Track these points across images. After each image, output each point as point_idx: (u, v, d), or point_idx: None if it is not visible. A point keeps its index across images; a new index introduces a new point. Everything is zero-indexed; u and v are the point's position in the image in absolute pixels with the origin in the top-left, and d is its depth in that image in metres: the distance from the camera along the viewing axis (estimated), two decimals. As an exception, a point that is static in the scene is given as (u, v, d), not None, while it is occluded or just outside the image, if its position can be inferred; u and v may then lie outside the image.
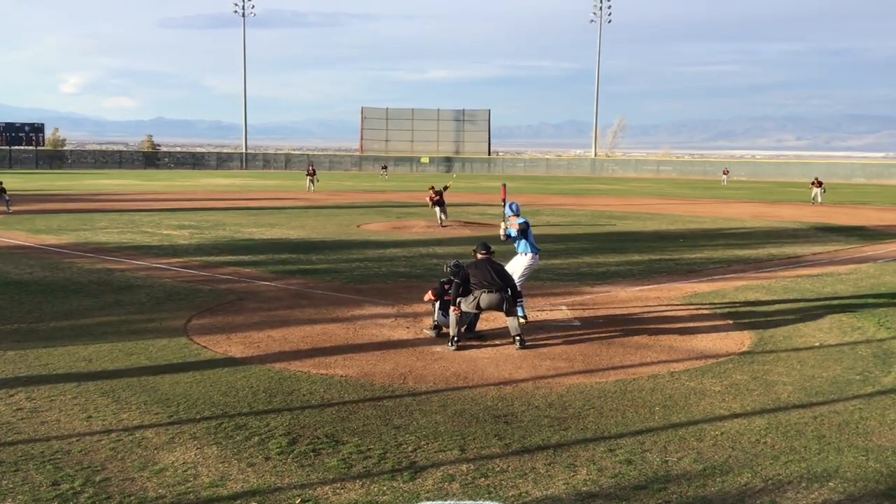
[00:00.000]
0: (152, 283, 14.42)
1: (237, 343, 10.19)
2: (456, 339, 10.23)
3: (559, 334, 10.99)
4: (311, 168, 50.98)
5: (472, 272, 10.56)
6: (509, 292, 10.48)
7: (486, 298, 10.32)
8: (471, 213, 31.04)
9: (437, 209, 27.14)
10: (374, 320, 11.70)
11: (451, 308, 10.37)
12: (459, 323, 10.30)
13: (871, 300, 13.68)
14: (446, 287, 10.84)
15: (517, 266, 11.77)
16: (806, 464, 6.43)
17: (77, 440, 6.72)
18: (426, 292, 11.26)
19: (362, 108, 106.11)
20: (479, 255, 10.90)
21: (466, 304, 10.37)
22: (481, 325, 11.02)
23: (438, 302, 10.85)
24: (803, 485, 6.01)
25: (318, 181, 49.15)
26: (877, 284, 15.43)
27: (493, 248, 11.12)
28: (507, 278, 10.68)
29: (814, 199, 42.20)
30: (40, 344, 9.94)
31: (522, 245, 11.82)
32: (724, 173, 71.09)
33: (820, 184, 42.92)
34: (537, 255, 11.99)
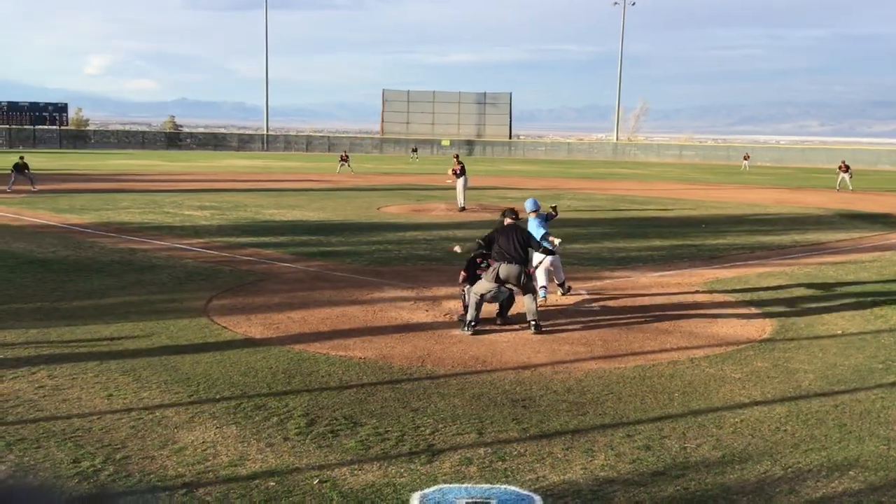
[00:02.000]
0: (174, 264, 14.51)
1: (257, 324, 10.24)
2: (473, 323, 10.05)
3: (579, 319, 10.95)
4: (344, 153, 51.38)
5: (497, 239, 10.34)
6: (529, 266, 10.27)
7: (504, 269, 10.10)
8: (490, 198, 30.95)
9: (459, 187, 26.44)
10: (394, 303, 11.71)
11: (464, 287, 10.27)
12: (478, 308, 10.09)
13: (894, 288, 13.52)
14: (479, 261, 10.61)
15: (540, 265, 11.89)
16: (826, 452, 6.38)
17: (98, 418, 6.79)
18: (458, 275, 10.98)
19: (383, 90, 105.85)
20: (507, 221, 10.67)
21: (487, 277, 10.18)
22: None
23: (467, 287, 10.55)
24: (823, 473, 5.97)
25: (350, 166, 48.90)
26: (901, 272, 15.22)
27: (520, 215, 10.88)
28: (527, 250, 10.40)
29: (840, 184, 41.51)
30: (62, 322, 10.04)
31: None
32: (745, 158, 69.70)
33: (847, 168, 42.11)
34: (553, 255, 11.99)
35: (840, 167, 42.72)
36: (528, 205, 12.40)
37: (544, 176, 45.83)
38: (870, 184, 45.18)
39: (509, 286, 10.33)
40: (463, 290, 10.73)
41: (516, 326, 10.35)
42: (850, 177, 41.61)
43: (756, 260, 16.72)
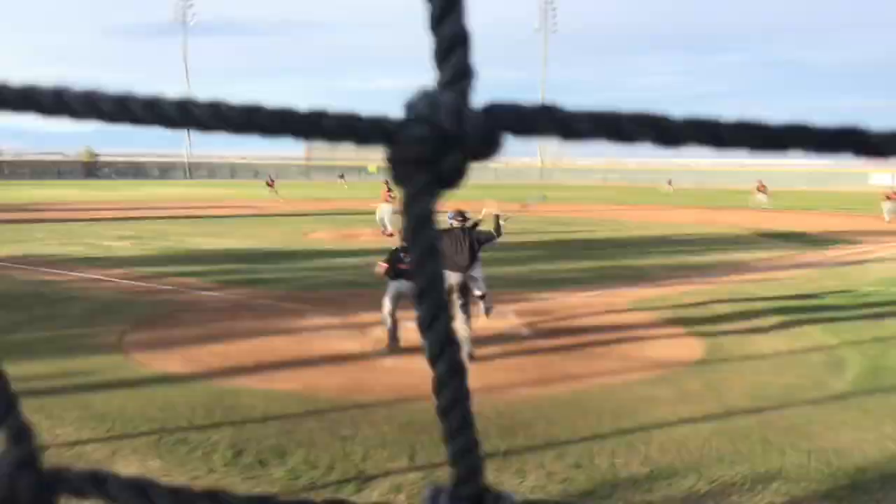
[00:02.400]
0: (89, 296, 13.98)
1: (175, 358, 9.89)
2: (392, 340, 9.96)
3: (510, 345, 10.91)
4: (269, 178, 51.21)
5: (443, 243, 9.93)
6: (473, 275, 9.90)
7: (453, 278, 9.64)
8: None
9: (387, 211, 25.78)
10: (320, 331, 11.49)
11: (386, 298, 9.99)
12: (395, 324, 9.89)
13: (815, 305, 13.91)
14: (402, 255, 9.83)
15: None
16: (749, 465, 6.45)
17: (5, 460, 6.42)
18: (378, 267, 10.46)
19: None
20: (454, 223, 10.15)
21: None
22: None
23: (391, 275, 10.06)
24: (747, 486, 6.03)
25: (277, 192, 48.45)
26: (820, 289, 15.70)
27: (469, 216, 10.42)
28: (474, 254, 9.90)
29: (754, 203, 42.86)
30: (-31, 360, 9.52)
31: None
32: (668, 184, 71.59)
33: (764, 188, 43.51)
34: None
35: (758, 187, 44.15)
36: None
37: (474, 199, 46.11)
38: (787, 203, 46.81)
39: (453, 294, 9.73)
40: (388, 315, 10.33)
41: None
42: (768, 197, 43.00)
43: (682, 279, 17.02)
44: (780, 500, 5.80)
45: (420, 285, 0.61)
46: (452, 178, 0.58)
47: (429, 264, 0.61)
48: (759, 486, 6.04)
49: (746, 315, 12.89)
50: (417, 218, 0.60)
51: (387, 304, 10.14)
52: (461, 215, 10.34)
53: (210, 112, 0.58)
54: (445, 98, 0.56)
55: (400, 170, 0.58)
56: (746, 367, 9.77)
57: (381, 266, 10.31)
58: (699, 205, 47.69)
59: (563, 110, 0.56)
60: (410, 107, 0.57)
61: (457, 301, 9.82)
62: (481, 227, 10.68)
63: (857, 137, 0.54)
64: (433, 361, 0.62)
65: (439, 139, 0.56)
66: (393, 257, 10.20)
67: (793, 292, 15.27)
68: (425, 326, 0.61)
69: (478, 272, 10.50)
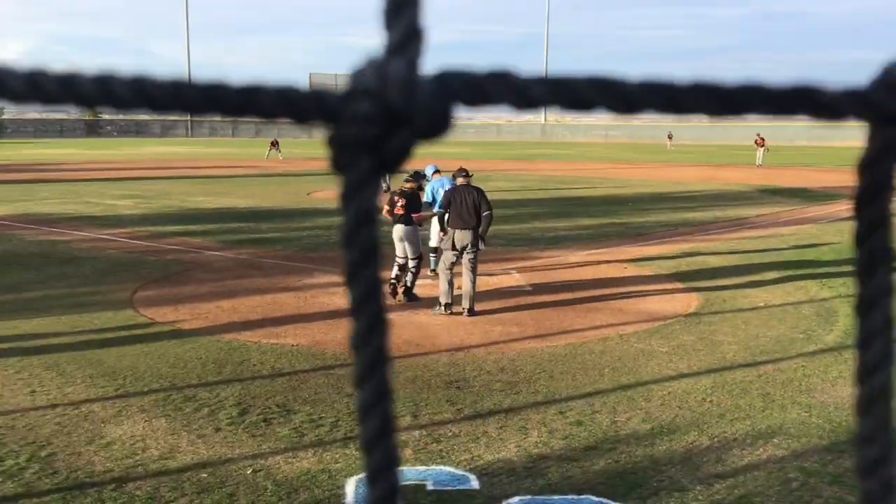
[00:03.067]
0: (96, 255, 14.11)
1: (185, 314, 10.05)
2: (449, 303, 9.97)
3: (511, 300, 11.05)
4: (275, 140, 51.13)
5: (452, 201, 10.01)
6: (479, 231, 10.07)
7: (459, 235, 9.93)
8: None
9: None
10: (325, 289, 11.62)
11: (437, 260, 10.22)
12: (451, 284, 9.97)
13: (813, 260, 14.01)
14: (395, 200, 10.51)
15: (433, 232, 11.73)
16: (751, 421, 6.60)
17: (21, 415, 6.59)
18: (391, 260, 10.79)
19: (310, 74, 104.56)
20: (459, 181, 10.34)
21: (445, 245, 10.01)
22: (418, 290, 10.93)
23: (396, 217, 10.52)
24: (748, 442, 6.17)
25: (279, 151, 48.35)
26: (818, 245, 15.79)
27: (472, 174, 10.65)
28: (479, 212, 10.08)
29: (758, 159, 42.68)
30: (-20, 319, 9.67)
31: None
32: (669, 138, 71.74)
33: (763, 142, 43.25)
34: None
35: (756, 141, 43.79)
36: (429, 170, 11.88)
37: (474, 158, 45.97)
38: (787, 159, 46.62)
39: (464, 252, 10.03)
40: (393, 279, 10.68)
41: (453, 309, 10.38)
42: (766, 151, 42.74)
43: (681, 236, 17.11)
44: (781, 455, 5.94)
45: (355, 296, 0.52)
46: (397, 161, 0.50)
47: (368, 270, 0.52)
48: (761, 441, 6.19)
49: (744, 270, 13.00)
50: (358, 214, 0.51)
51: (441, 272, 10.25)
52: (466, 172, 10.46)
53: (134, 89, 0.50)
54: (395, 67, 0.49)
55: (342, 154, 0.51)
56: (738, 319, 9.91)
57: (385, 210, 10.65)
58: (700, 162, 47.53)
59: (518, 77, 0.51)
60: (356, 77, 0.49)
61: (467, 257, 10.02)
62: None
63: (811, 97, 0.51)
64: (357, 384, 0.52)
65: (387, 116, 0.49)
66: (390, 201, 10.70)
67: (791, 248, 15.36)
68: (358, 345, 0.52)
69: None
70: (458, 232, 9.99)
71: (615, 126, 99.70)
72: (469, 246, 10.00)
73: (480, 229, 10.13)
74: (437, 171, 12.02)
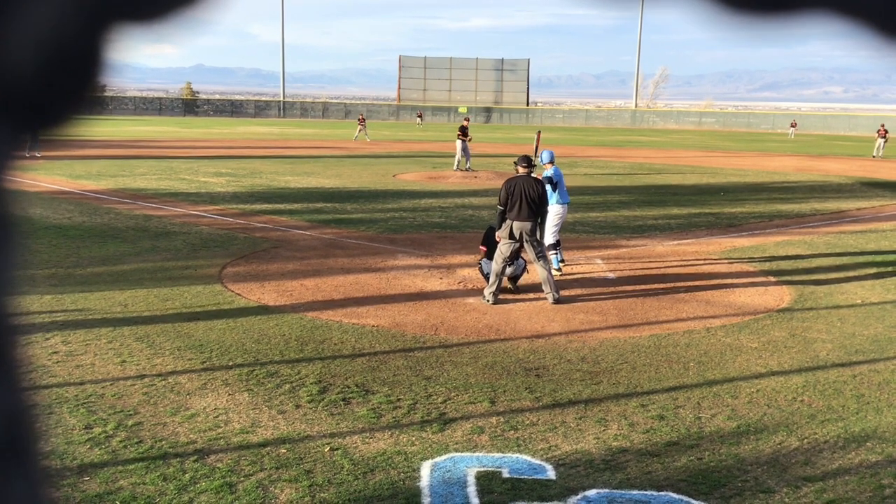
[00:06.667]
0: (189, 230, 14.52)
1: (270, 291, 10.23)
2: (495, 292, 9.86)
3: (594, 288, 10.86)
4: (361, 116, 51.97)
5: (511, 192, 9.78)
6: (540, 221, 9.85)
7: (518, 225, 9.70)
8: (506, 165, 30.71)
9: (459, 148, 27.73)
10: (407, 271, 11.65)
11: (481, 260, 10.14)
12: (502, 274, 9.86)
13: (916, 258, 13.32)
14: (520, 170, 10.09)
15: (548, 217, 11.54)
16: (843, 423, 6.30)
17: (111, 384, 6.80)
18: (474, 244, 10.77)
19: (400, 56, 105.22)
20: (520, 170, 10.09)
21: (501, 234, 9.82)
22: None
23: (483, 260, 10.39)
24: (840, 444, 5.89)
25: (366, 133, 48.88)
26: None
27: (534, 161, 10.44)
28: (542, 204, 9.86)
29: (876, 150, 40.65)
30: (77, 288, 10.06)
31: (552, 195, 11.39)
32: (792, 125, 67.88)
33: (885, 133, 41.08)
34: (566, 206, 11.71)
35: (878, 132, 41.66)
36: (545, 156, 11.71)
37: (561, 143, 45.45)
38: (892, 152, 44.51)
39: (525, 243, 9.83)
40: (479, 262, 10.63)
41: (531, 295, 10.27)
42: (886, 142, 40.74)
43: (775, 228, 16.52)
44: (874, 459, 5.66)
45: None
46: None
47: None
48: (853, 444, 5.90)
49: (841, 266, 12.46)
50: None
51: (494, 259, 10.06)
52: (527, 161, 10.21)
53: None
54: None
55: None
56: (833, 316, 9.49)
57: (482, 250, 10.62)
58: (800, 153, 45.82)
59: None
60: None
61: (531, 246, 9.85)
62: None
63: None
64: None
65: None
66: (488, 236, 10.51)
67: (893, 243, 14.65)
68: None
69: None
70: (516, 222, 9.74)
71: (708, 113, 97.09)
72: (527, 236, 9.76)
73: (539, 219, 9.89)
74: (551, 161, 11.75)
